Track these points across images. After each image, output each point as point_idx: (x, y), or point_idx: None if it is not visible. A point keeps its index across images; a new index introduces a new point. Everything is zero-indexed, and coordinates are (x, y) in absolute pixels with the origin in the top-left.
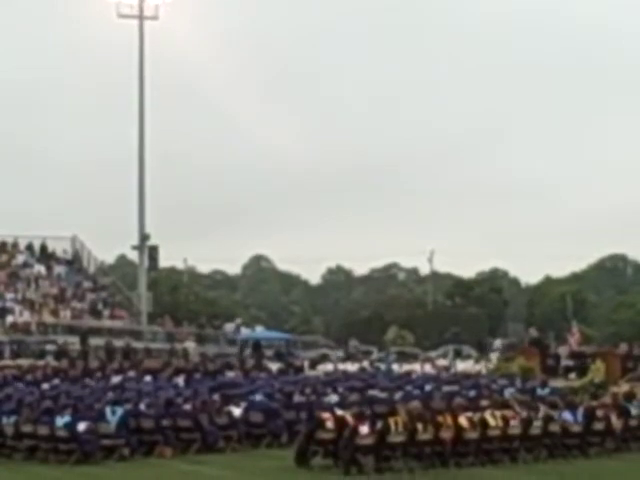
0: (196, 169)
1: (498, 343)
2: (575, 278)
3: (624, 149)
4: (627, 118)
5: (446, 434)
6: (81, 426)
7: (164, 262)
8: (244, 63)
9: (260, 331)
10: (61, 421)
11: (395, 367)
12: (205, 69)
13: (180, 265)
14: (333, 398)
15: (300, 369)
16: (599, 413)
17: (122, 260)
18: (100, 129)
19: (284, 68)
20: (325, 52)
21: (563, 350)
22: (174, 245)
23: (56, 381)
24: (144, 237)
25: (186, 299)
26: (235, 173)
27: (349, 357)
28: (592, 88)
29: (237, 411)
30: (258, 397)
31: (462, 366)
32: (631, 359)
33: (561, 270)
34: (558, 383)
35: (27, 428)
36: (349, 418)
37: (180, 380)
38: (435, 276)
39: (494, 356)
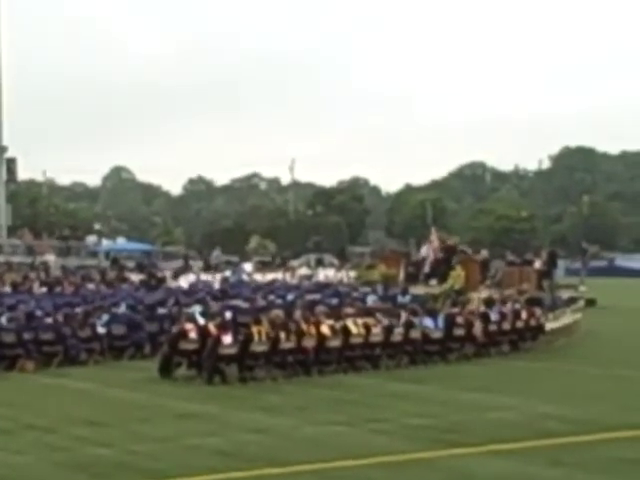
0: (56, 79)
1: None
2: (435, 185)
3: (487, 61)
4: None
5: (309, 342)
6: None
7: (22, 174)
8: None
9: (121, 243)
10: None
11: (257, 277)
12: None
13: (39, 177)
14: (196, 309)
15: (162, 280)
16: (459, 319)
17: None
18: None
19: None
20: None
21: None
22: (33, 157)
23: None
24: (1, 149)
25: (46, 211)
26: (95, 84)
27: (212, 267)
28: None
29: (99, 323)
30: (121, 309)
31: (324, 274)
32: (490, 265)
33: (421, 178)
34: (419, 290)
35: None
36: (212, 328)
37: (41, 293)
38: (296, 185)
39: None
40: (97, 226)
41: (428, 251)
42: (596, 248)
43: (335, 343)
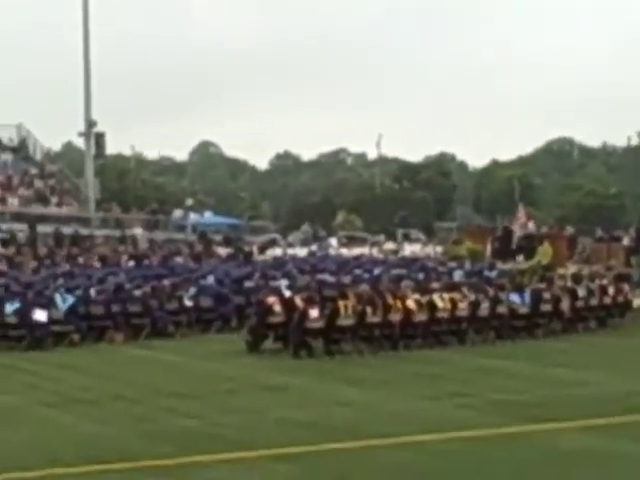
0: (144, 54)
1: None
2: (522, 161)
3: (580, 38)
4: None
5: (395, 317)
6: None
7: (111, 149)
8: None
9: (209, 216)
10: (11, 308)
11: (344, 251)
12: None
13: (127, 151)
14: (283, 282)
15: (249, 254)
16: (546, 295)
17: (69, 147)
18: (45, 14)
19: None
20: None
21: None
22: (121, 131)
23: (4, 268)
24: (90, 124)
25: (133, 185)
26: (183, 59)
27: (306, 241)
28: None
29: (187, 296)
30: (208, 282)
31: (410, 249)
32: (578, 241)
33: (508, 154)
34: (506, 265)
35: None
36: (298, 302)
37: (130, 266)
38: (383, 160)
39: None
40: (189, 201)
41: (515, 227)
42: None
43: (421, 318)
